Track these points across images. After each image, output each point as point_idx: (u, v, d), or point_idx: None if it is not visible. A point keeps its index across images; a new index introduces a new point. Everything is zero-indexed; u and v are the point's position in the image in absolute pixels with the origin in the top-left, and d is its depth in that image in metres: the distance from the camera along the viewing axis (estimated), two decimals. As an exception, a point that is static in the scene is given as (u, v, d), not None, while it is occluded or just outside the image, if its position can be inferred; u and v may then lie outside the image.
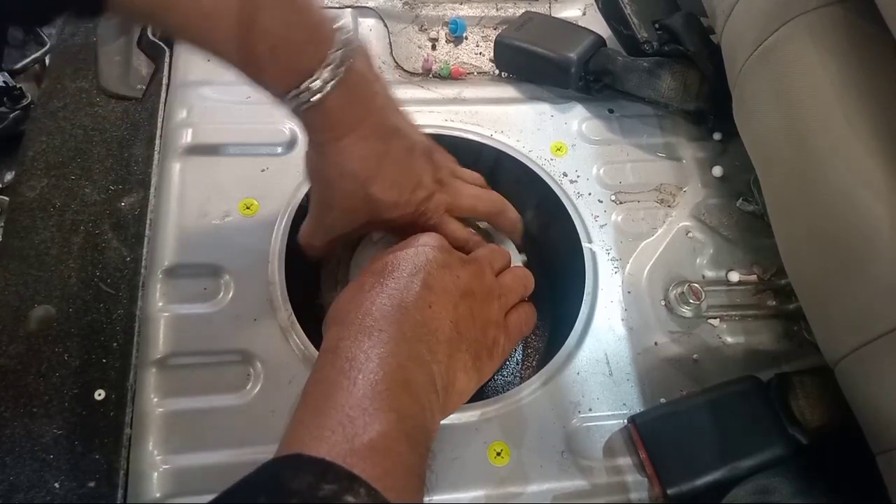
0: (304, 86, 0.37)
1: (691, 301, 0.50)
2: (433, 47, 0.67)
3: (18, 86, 0.67)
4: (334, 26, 0.38)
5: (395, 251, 0.41)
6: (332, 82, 0.37)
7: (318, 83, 0.37)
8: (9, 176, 0.59)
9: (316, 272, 0.55)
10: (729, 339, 0.51)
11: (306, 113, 0.38)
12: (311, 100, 0.37)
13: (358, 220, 0.44)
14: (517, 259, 0.55)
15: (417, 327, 0.37)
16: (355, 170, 0.41)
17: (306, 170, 0.45)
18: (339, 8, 0.65)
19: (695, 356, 0.50)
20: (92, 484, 0.41)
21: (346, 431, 0.31)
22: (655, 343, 0.50)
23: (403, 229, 0.45)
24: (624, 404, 0.47)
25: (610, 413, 0.47)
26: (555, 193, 0.57)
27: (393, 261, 0.40)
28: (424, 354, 0.36)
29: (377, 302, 0.37)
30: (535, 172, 0.58)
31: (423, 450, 0.34)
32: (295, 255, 0.50)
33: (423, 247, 0.41)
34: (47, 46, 0.69)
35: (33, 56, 0.70)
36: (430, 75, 0.64)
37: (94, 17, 0.33)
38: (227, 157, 0.54)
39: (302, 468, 0.28)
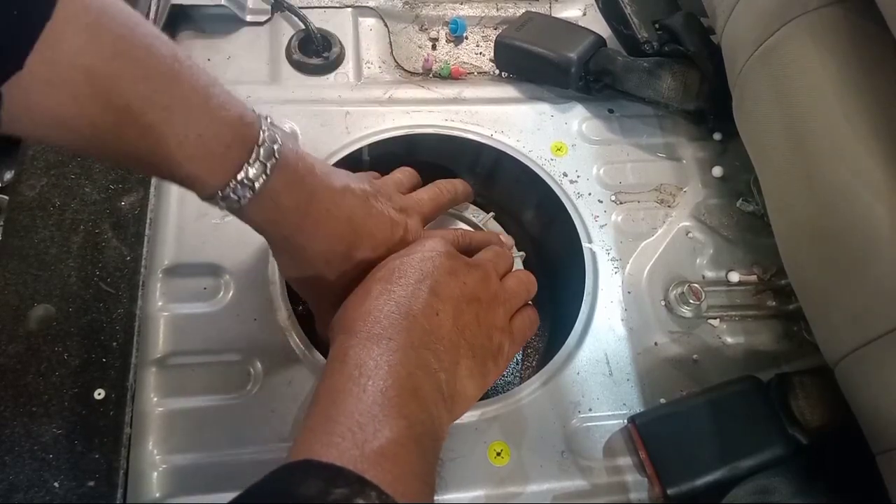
0: (240, 177, 0.34)
1: (691, 301, 0.51)
2: (433, 47, 0.67)
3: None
4: (255, 114, 0.36)
5: (401, 257, 0.41)
6: (270, 163, 0.35)
7: (253, 171, 0.35)
8: (9, 175, 0.59)
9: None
10: (729, 340, 0.51)
11: (252, 208, 0.36)
12: (255, 187, 0.35)
13: (359, 280, 0.43)
14: (516, 257, 0.55)
15: (425, 335, 0.37)
16: (333, 249, 0.40)
17: (285, 276, 0.43)
18: (340, 8, 0.65)
19: (695, 356, 0.50)
20: (92, 483, 0.41)
21: (356, 438, 0.31)
22: (655, 343, 0.50)
23: None
24: (624, 404, 0.47)
25: (610, 413, 0.47)
26: (555, 193, 0.57)
27: (400, 267, 0.40)
28: (432, 362, 0.36)
29: (385, 309, 0.37)
30: (535, 172, 0.58)
31: (432, 457, 0.34)
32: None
33: (430, 252, 0.41)
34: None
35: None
36: (431, 75, 0.64)
37: None
38: (227, 156, 0.54)
39: (312, 474, 0.28)
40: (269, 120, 0.36)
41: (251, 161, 0.34)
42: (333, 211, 0.39)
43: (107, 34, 0.30)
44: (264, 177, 0.35)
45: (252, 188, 0.35)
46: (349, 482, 0.28)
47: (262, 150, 0.35)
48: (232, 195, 0.35)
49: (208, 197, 0.35)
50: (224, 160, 0.34)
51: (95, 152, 0.33)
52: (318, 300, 0.44)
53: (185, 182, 0.35)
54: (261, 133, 0.35)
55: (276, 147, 0.35)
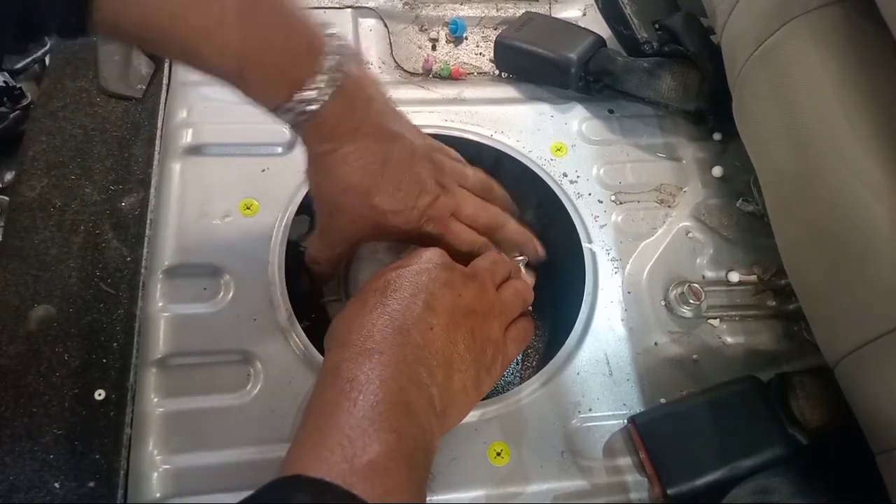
0: (297, 97, 0.35)
1: (691, 301, 0.50)
2: (433, 47, 0.67)
3: (18, 86, 0.67)
4: (327, 32, 0.37)
5: (397, 268, 0.41)
6: (329, 92, 0.36)
7: (312, 93, 0.36)
8: (9, 176, 0.59)
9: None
10: (729, 340, 0.51)
11: (304, 125, 0.37)
12: (307, 110, 0.36)
13: (364, 232, 0.44)
14: (519, 260, 0.55)
15: (418, 350, 0.37)
16: (357, 181, 0.40)
17: (309, 185, 0.44)
18: (340, 8, 0.65)
19: (695, 356, 0.50)
20: (92, 484, 0.41)
21: (346, 452, 0.31)
22: (655, 343, 0.50)
23: (409, 235, 0.45)
24: (624, 404, 0.47)
25: (610, 413, 0.47)
26: (555, 194, 0.57)
27: (395, 279, 0.40)
28: (424, 378, 0.36)
29: (378, 323, 0.37)
30: (535, 173, 0.58)
31: (422, 471, 0.34)
32: (295, 255, 0.50)
33: (426, 264, 0.41)
34: (47, 46, 0.69)
35: (33, 56, 0.70)
36: (431, 75, 0.64)
37: (78, 37, 0.31)
38: (227, 157, 0.54)
39: (301, 489, 0.29)
40: (338, 42, 0.37)
41: (313, 84, 0.35)
42: (373, 147, 0.40)
43: None
44: (319, 103, 0.36)
45: (307, 109, 0.36)
46: (338, 497, 0.28)
47: (325, 77, 0.36)
48: (288, 114, 0.36)
49: (270, 110, 0.37)
50: (280, 84, 0.35)
51: (178, 53, 0.34)
52: (324, 221, 0.45)
53: (250, 97, 0.36)
54: (326, 58, 0.36)
55: (338, 76, 0.36)
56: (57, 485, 0.41)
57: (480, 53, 0.67)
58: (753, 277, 0.54)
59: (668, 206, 0.57)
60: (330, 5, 0.65)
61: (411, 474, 0.32)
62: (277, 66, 0.35)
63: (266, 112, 0.37)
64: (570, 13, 0.70)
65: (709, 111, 0.58)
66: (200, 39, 0.33)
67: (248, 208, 0.52)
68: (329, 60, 0.36)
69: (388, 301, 0.38)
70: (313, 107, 0.36)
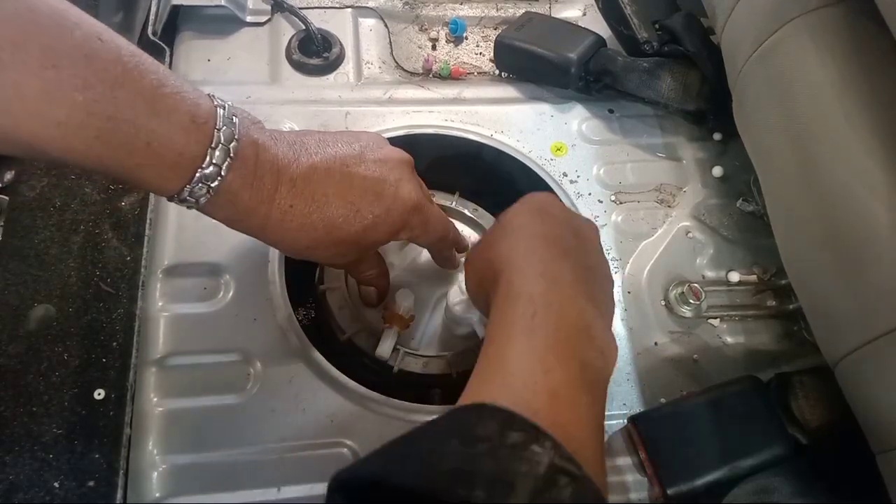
0: (198, 175, 0.33)
1: (691, 301, 0.51)
2: (433, 47, 0.67)
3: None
4: (213, 103, 0.34)
5: (536, 196, 0.41)
6: (225, 164, 0.33)
7: (209, 170, 0.33)
8: (9, 175, 0.59)
9: (318, 273, 0.55)
10: (729, 339, 0.51)
11: (211, 208, 0.35)
12: (213, 187, 0.33)
13: (360, 251, 0.42)
14: None
15: (587, 272, 0.37)
16: (311, 235, 0.38)
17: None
18: (340, 8, 0.65)
19: (695, 356, 0.50)
20: (92, 483, 0.41)
21: (527, 380, 0.31)
22: (655, 343, 0.50)
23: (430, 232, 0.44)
24: (624, 404, 0.47)
25: (610, 413, 0.47)
26: (555, 194, 0.57)
27: (543, 203, 0.40)
28: (599, 296, 0.37)
29: (549, 246, 0.37)
30: (535, 172, 0.58)
31: (602, 399, 0.34)
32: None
33: (553, 198, 0.42)
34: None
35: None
36: (431, 75, 0.64)
37: None
38: (228, 156, 0.54)
39: (486, 415, 0.28)
40: (226, 111, 0.34)
41: (204, 165, 0.33)
42: (298, 205, 0.37)
43: (34, 43, 0.28)
44: (220, 178, 0.33)
45: (208, 190, 0.33)
46: (524, 427, 0.27)
47: (217, 152, 0.33)
48: (189, 197, 0.34)
49: (168, 198, 0.34)
50: (177, 166, 0.32)
51: (45, 161, 0.31)
52: (326, 263, 0.45)
53: (142, 187, 0.34)
54: (215, 133, 0.33)
55: (232, 146, 0.34)
56: (57, 484, 0.41)
57: (480, 53, 0.67)
58: (753, 277, 0.54)
59: (668, 206, 0.57)
60: (330, 5, 0.65)
61: (594, 403, 0.32)
62: (168, 147, 0.32)
63: (168, 200, 0.34)
64: (570, 13, 0.70)
65: (709, 111, 0.58)
66: (69, 133, 0.29)
67: (248, 208, 0.52)
68: (220, 136, 0.33)
69: (546, 227, 0.38)
70: (215, 183, 0.33)
